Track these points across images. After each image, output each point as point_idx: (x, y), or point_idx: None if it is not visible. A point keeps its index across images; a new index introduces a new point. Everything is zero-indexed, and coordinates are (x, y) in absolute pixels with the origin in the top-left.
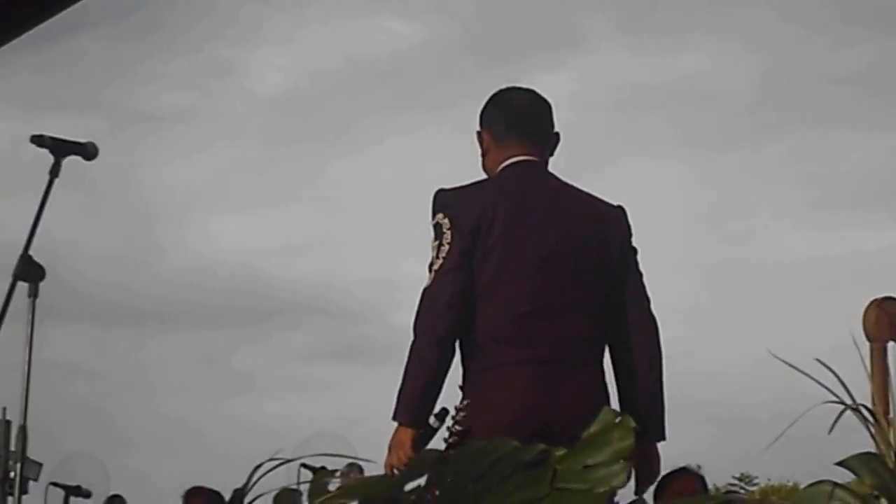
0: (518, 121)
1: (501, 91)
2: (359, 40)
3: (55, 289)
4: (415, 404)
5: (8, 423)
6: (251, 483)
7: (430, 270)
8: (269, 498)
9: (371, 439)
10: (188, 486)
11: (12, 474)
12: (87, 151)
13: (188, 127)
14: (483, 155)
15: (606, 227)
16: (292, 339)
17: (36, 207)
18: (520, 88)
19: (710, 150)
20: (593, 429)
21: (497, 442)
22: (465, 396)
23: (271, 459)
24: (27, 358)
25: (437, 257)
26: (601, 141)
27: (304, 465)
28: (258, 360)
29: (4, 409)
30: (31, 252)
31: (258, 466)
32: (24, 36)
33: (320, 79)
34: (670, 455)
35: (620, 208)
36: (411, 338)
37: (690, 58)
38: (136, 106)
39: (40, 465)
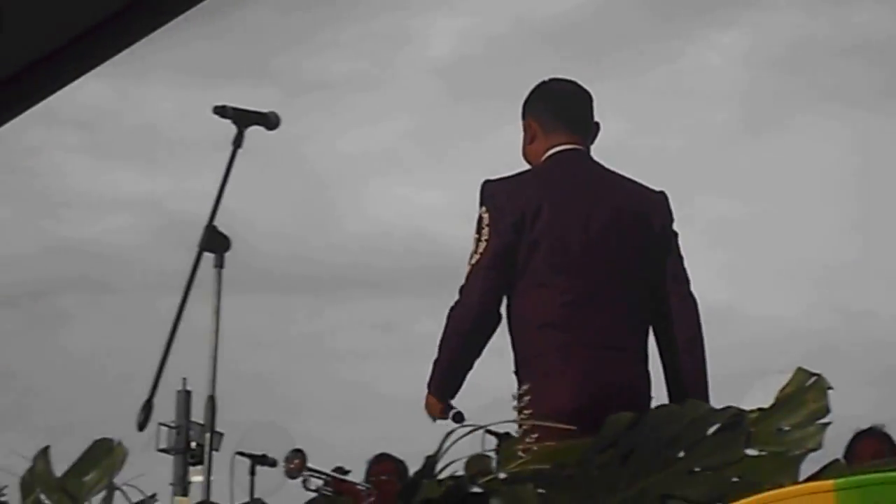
0: (564, 110)
1: (545, 82)
2: (532, 3)
3: (234, 259)
4: (439, 384)
5: (188, 393)
6: (443, 449)
7: (469, 262)
8: (460, 465)
9: None
10: (373, 454)
11: (194, 444)
12: (269, 121)
13: (362, 95)
14: (528, 143)
15: (649, 212)
16: None
17: (218, 178)
18: (563, 79)
19: (887, 107)
20: (787, 390)
21: (689, 404)
22: (520, 382)
23: (462, 426)
24: (215, 328)
25: (476, 252)
26: (775, 99)
27: (488, 432)
28: (437, 327)
29: (185, 379)
30: (215, 223)
31: (450, 433)
32: (198, 5)
33: (494, 44)
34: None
35: (662, 193)
36: None
37: (866, 13)
38: (309, 75)
39: (221, 434)
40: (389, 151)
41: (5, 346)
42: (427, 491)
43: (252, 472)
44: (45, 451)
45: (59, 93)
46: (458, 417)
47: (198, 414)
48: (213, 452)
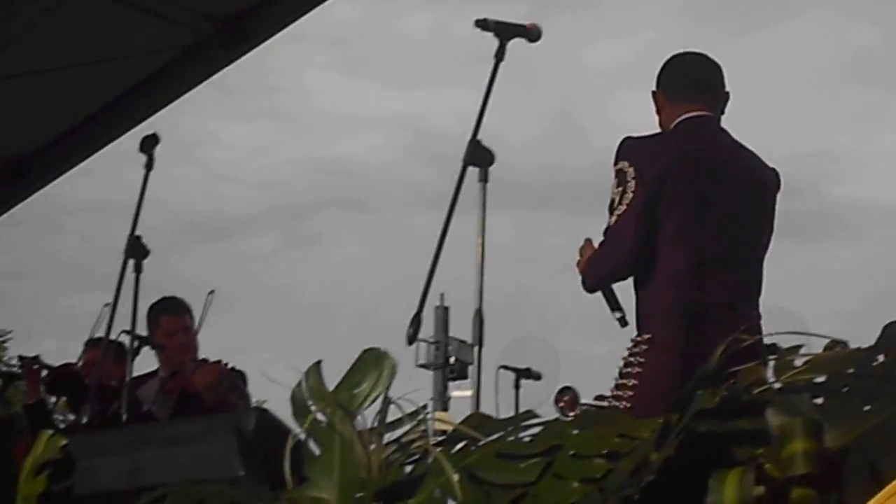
0: (694, 80)
1: (676, 55)
2: None
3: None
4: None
5: (446, 309)
6: (714, 361)
7: (612, 213)
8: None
9: (814, 315)
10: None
11: (452, 359)
12: (531, 34)
13: (606, 8)
14: (658, 113)
15: (768, 184)
16: None
17: (468, 93)
18: (694, 52)
19: None
20: None
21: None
22: (639, 331)
23: (734, 339)
24: (480, 242)
25: (620, 203)
26: None
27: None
28: None
29: (442, 294)
30: (478, 137)
31: (726, 346)
32: None
33: None
34: None
35: (776, 170)
36: (847, 212)
37: None
38: None
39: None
40: (633, 63)
41: (265, 265)
42: (701, 401)
43: (516, 386)
44: (316, 365)
45: (310, 13)
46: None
47: (456, 329)
48: (469, 367)
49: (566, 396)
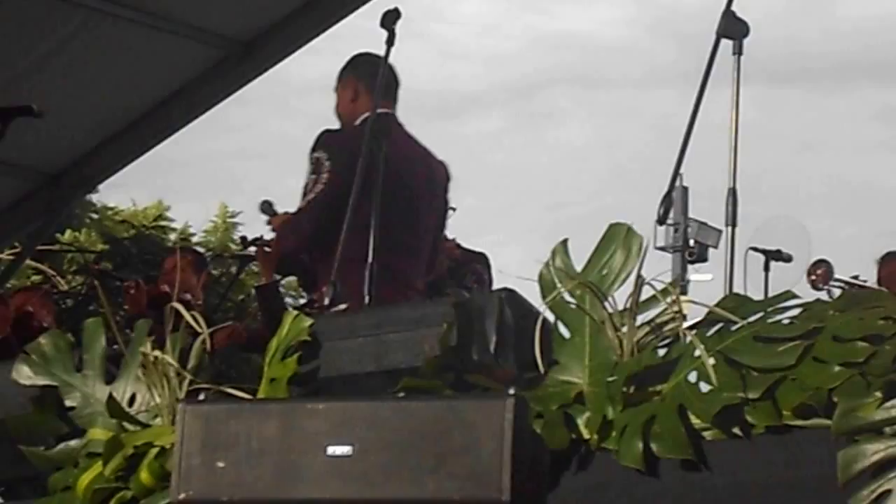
0: (388, 81)
1: (363, 53)
2: None
3: (726, 48)
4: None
5: (685, 189)
6: None
7: (304, 196)
8: None
9: None
10: (880, 253)
11: (692, 242)
12: None
13: None
14: (350, 100)
15: (441, 176)
16: None
17: None
18: (376, 54)
19: None
20: None
21: None
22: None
23: None
24: (734, 117)
25: (313, 189)
26: None
27: None
28: None
29: (681, 175)
30: (733, 8)
31: None
32: None
33: None
34: None
35: (444, 163)
36: None
37: None
38: None
39: (720, 231)
40: None
41: (493, 145)
42: None
43: (766, 269)
44: (563, 244)
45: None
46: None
47: (695, 211)
48: (711, 250)
49: (820, 269)
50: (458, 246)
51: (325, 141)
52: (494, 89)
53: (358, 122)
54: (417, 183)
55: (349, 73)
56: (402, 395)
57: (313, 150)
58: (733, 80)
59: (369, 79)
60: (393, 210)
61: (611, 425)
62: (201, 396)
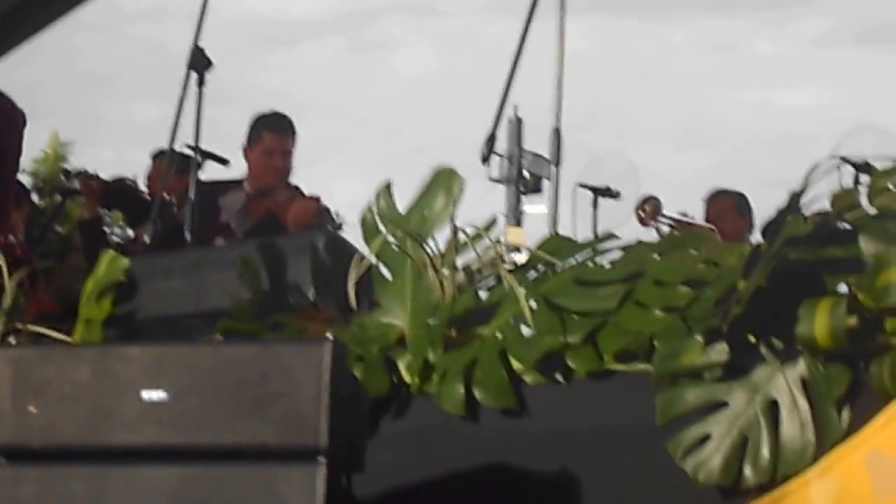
0: None
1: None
2: None
3: None
4: None
5: (520, 120)
6: (809, 183)
7: None
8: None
9: None
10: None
11: (527, 174)
12: None
13: None
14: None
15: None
16: (807, 25)
17: None
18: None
19: None
20: None
21: None
22: None
23: (831, 157)
24: (559, 52)
25: None
26: None
27: (845, 161)
28: (774, 48)
29: (516, 106)
30: None
31: (815, 167)
32: None
33: None
34: None
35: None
36: None
37: None
38: None
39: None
40: None
41: (328, 74)
42: (792, 228)
43: (595, 206)
44: (387, 188)
45: None
46: None
47: (530, 142)
48: (545, 181)
49: (648, 206)
50: (320, 201)
51: None
52: (330, 17)
53: None
54: None
55: None
56: (220, 338)
57: None
58: (558, 10)
59: None
60: None
61: (432, 369)
62: (12, 340)
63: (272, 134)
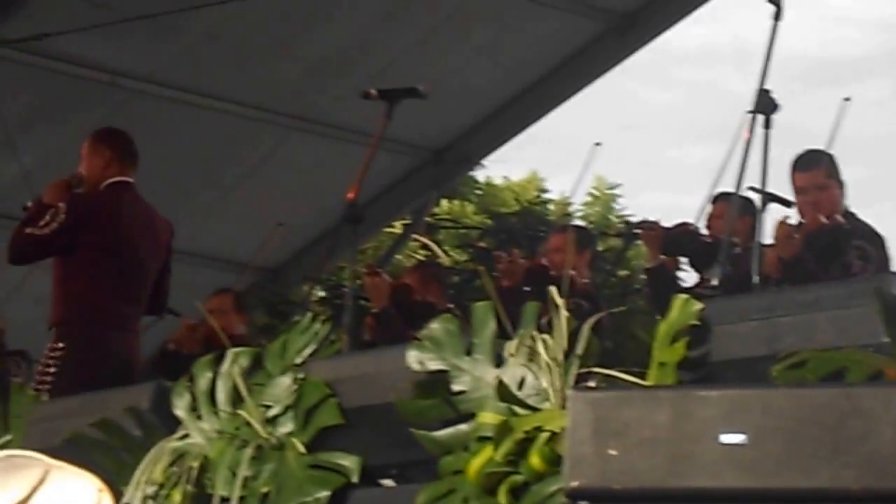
0: (133, 151)
1: (112, 129)
2: None
3: None
4: None
5: None
6: None
7: (41, 223)
8: None
9: None
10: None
11: None
12: None
13: None
14: (101, 167)
15: (164, 237)
16: None
17: None
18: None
19: None
20: None
21: None
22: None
23: None
24: None
25: (45, 225)
26: None
27: None
28: None
29: None
30: None
31: None
32: None
33: None
34: None
35: (170, 222)
36: None
37: None
38: None
39: None
40: None
41: (879, 111)
42: None
43: None
44: None
45: None
46: None
47: None
48: None
49: None
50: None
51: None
52: (881, 54)
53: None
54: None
55: (103, 142)
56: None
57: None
58: None
59: (121, 151)
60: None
61: None
62: (591, 383)
63: (799, 172)
